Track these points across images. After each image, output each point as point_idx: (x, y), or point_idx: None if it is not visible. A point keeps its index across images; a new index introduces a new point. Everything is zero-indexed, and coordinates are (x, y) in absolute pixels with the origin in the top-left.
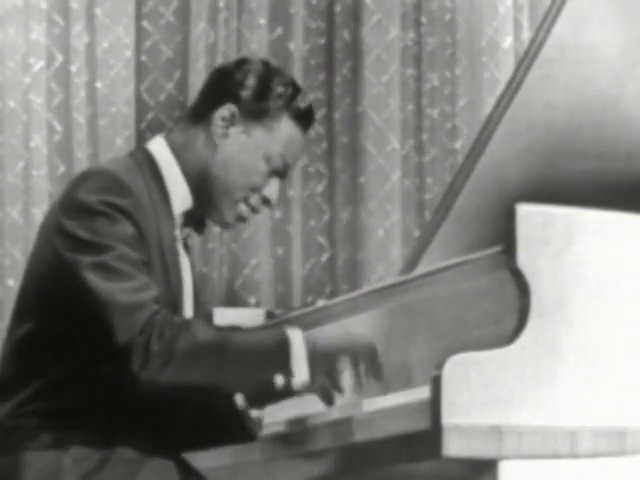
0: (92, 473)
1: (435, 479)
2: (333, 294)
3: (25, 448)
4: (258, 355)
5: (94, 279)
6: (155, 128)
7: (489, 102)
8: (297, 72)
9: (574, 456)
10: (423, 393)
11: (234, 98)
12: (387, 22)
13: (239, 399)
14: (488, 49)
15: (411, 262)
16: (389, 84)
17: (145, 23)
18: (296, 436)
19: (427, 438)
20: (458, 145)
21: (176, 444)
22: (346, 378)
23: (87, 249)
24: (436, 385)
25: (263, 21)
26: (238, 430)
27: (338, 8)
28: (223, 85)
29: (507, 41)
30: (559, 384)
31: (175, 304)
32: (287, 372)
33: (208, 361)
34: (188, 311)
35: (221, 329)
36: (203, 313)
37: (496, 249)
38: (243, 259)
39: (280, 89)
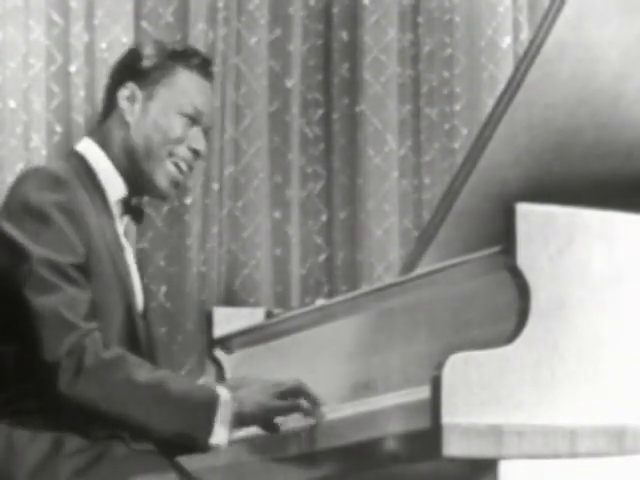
0: (87, 468)
1: (435, 479)
2: (331, 294)
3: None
4: (185, 404)
5: (24, 289)
6: None
7: (488, 102)
8: (296, 72)
9: (574, 456)
10: (423, 393)
11: (128, 77)
12: (385, 23)
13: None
14: (487, 49)
15: (411, 262)
16: (387, 85)
17: (144, 23)
18: (295, 436)
19: (427, 438)
20: (457, 145)
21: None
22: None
23: (20, 254)
24: (436, 385)
25: (262, 21)
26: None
27: (336, 9)
28: (114, 75)
29: (506, 41)
30: (559, 384)
31: (127, 296)
32: (208, 429)
33: (139, 399)
34: (139, 301)
35: (156, 370)
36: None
37: (496, 249)
38: (242, 259)
39: (160, 47)
